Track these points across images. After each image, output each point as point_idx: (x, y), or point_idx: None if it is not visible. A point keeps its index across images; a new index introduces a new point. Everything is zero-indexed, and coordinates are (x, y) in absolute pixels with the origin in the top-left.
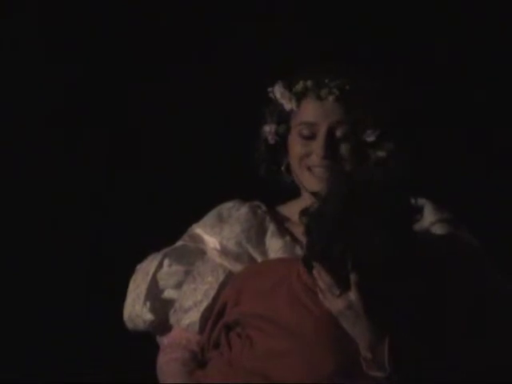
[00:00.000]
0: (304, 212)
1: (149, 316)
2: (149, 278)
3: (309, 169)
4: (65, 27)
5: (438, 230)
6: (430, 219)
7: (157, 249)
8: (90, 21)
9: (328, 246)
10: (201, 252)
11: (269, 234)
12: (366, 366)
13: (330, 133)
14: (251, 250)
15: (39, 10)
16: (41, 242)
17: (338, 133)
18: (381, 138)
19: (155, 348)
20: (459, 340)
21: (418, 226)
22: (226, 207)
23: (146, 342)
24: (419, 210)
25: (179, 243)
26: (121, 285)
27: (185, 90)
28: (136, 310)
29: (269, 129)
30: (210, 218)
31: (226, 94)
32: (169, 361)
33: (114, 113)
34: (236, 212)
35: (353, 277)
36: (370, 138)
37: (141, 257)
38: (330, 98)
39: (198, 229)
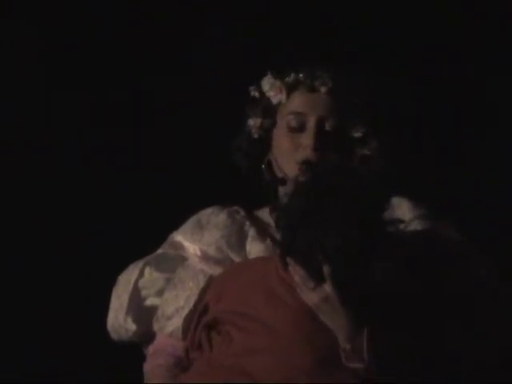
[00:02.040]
0: (274, 207)
1: (132, 326)
2: (130, 286)
3: (298, 163)
4: (65, 27)
5: (420, 226)
6: (409, 216)
7: (157, 249)
8: (89, 21)
9: (294, 238)
10: (181, 259)
11: (249, 238)
12: (345, 357)
13: (319, 125)
14: (232, 256)
15: (39, 9)
16: (41, 242)
17: (327, 126)
18: (367, 135)
19: None
20: (458, 340)
21: (399, 225)
22: (205, 214)
23: None
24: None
25: (159, 251)
26: None
27: (185, 90)
28: (119, 319)
29: (253, 123)
30: (189, 225)
31: (226, 94)
32: (153, 367)
33: (113, 113)
34: (215, 218)
35: (326, 269)
36: (358, 134)
37: (140, 257)
38: (323, 89)
39: (179, 236)
